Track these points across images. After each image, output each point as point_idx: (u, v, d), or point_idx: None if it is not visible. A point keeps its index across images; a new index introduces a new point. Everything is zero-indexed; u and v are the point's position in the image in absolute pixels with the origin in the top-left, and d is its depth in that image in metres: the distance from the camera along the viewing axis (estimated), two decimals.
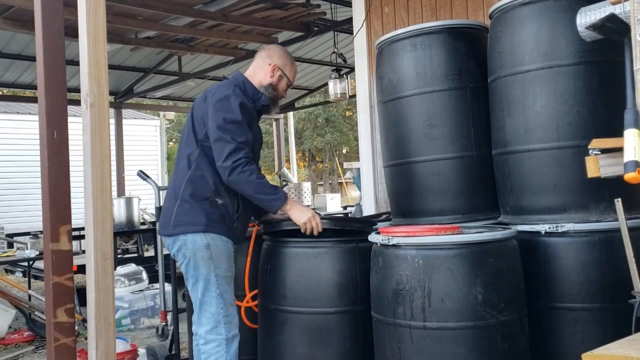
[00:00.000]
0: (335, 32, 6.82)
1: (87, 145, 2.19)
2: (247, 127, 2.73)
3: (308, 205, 8.23)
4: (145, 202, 7.75)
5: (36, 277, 6.50)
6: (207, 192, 2.72)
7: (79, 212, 2.22)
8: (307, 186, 8.74)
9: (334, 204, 9.06)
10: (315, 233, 2.74)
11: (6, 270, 7.99)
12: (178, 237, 2.73)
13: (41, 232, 2.41)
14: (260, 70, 2.91)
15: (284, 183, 8.56)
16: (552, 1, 2.51)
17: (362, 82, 4.65)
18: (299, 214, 2.74)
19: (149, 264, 6.54)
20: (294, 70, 2.99)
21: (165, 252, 3.67)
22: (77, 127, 2.34)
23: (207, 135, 2.73)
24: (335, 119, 25.97)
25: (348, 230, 2.91)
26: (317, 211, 6.55)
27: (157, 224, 3.71)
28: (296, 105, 11.67)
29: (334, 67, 7.07)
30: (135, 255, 7.22)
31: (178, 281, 3.81)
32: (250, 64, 2.97)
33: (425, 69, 2.92)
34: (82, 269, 3.77)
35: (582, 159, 2.02)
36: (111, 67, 7.20)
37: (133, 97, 9.80)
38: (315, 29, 6.75)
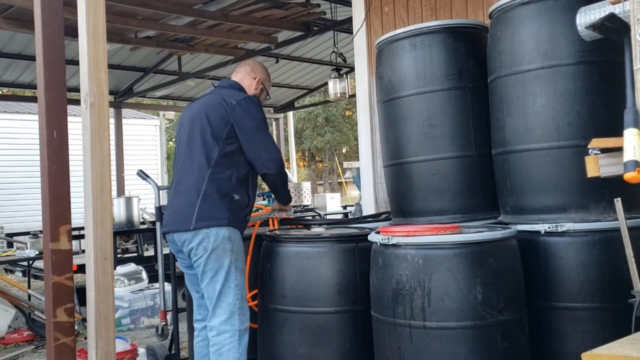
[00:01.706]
0: (335, 32, 6.82)
1: (87, 145, 2.19)
2: None
3: (307, 205, 8.31)
4: (144, 201, 7.74)
5: (36, 277, 6.50)
6: (228, 188, 2.85)
7: (79, 212, 2.22)
8: (306, 186, 8.74)
9: (333, 204, 9.06)
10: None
11: (6, 270, 7.99)
12: (200, 231, 2.78)
13: (40, 231, 2.41)
14: (246, 82, 3.18)
15: None
16: (552, 1, 2.51)
17: (362, 81, 4.64)
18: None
19: (148, 263, 6.53)
20: (270, 85, 3.36)
21: (165, 251, 3.68)
22: (77, 127, 2.34)
23: (230, 134, 2.88)
24: (335, 118, 25.97)
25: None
26: (317, 211, 6.63)
27: (158, 223, 3.71)
28: (296, 104, 11.66)
29: (334, 67, 7.07)
30: (135, 254, 7.22)
31: (178, 281, 3.81)
32: (235, 74, 3.22)
33: (425, 69, 2.92)
34: (82, 268, 3.77)
35: (582, 158, 2.02)
36: (111, 66, 7.21)
37: (133, 96, 9.78)
38: (315, 28, 6.75)
